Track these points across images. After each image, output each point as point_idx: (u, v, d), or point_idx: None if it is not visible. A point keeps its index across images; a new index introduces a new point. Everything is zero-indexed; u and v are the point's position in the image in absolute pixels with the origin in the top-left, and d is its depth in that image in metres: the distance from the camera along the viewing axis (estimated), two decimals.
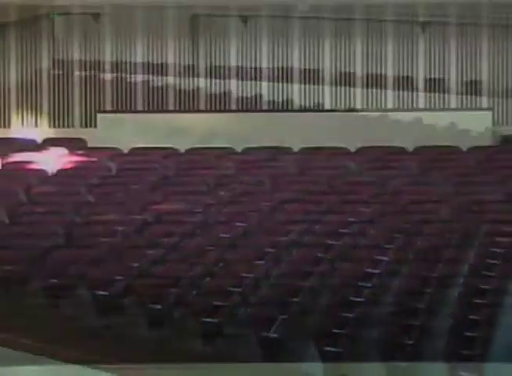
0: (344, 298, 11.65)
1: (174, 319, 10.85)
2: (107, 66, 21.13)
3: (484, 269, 13.06)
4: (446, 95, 21.08)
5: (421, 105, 20.98)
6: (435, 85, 21.04)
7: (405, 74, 21.06)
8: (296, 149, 19.30)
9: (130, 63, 21.12)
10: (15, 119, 21.15)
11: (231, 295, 11.83)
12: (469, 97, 21.05)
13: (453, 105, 20.97)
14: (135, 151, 19.31)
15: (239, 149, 19.24)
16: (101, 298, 11.90)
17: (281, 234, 14.72)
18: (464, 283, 12.30)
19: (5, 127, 21.02)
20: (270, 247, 13.93)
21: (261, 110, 21.02)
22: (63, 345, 9.82)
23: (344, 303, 11.46)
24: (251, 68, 21.22)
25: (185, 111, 20.89)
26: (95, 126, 20.51)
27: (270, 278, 12.61)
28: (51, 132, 20.96)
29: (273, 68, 21.17)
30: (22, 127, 21.11)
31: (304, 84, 21.12)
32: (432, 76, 21.05)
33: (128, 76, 21.14)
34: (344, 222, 15.13)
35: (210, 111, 20.96)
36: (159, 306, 11.43)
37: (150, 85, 21.19)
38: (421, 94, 21.03)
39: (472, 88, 21.09)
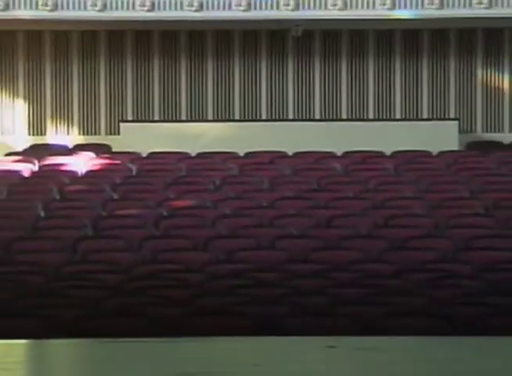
0: (333, 280, 11.62)
1: (184, 300, 10.79)
2: (129, 82, 21.04)
3: (452, 256, 13.06)
4: (419, 108, 21.03)
5: (398, 116, 20.91)
6: (410, 101, 20.99)
7: (384, 92, 20.98)
8: (290, 153, 19.22)
9: (148, 79, 21.03)
10: (50, 128, 21.05)
11: (237, 277, 11.82)
12: (439, 109, 20.98)
13: (425, 116, 20.92)
14: (152, 155, 19.22)
15: (241, 153, 19.16)
16: (123, 280, 11.89)
17: (278, 226, 14.72)
18: (434, 268, 12.30)
19: (41, 135, 20.92)
20: (269, 237, 13.94)
21: (260, 120, 20.93)
22: (91, 322, 9.76)
23: (333, 284, 11.44)
24: (252, 86, 21.13)
25: (195, 121, 20.83)
26: (119, 134, 20.41)
27: (269, 263, 12.60)
28: (80, 139, 20.87)
29: (270, 85, 21.10)
30: (56, 135, 21.02)
31: (297, 98, 21.04)
32: (407, 93, 21.00)
33: (146, 90, 21.06)
34: (332, 216, 15.09)
35: (217, 121, 20.89)
36: (172, 288, 11.42)
37: (165, 98, 21.09)
38: (398, 107, 20.97)
39: (441, 102, 21.01)
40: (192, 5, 19.71)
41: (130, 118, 20.83)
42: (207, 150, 19.31)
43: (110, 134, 20.70)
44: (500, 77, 21.05)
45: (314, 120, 20.89)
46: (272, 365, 6.52)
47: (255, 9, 19.82)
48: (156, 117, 20.96)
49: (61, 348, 7.75)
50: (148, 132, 20.25)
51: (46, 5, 19.62)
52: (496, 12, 19.74)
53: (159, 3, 19.74)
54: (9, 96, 21.06)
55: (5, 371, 6.80)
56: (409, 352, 7.03)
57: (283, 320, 9.72)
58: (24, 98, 21.07)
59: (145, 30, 20.75)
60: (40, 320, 9.58)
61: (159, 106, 21.06)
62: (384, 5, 19.69)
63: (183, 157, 19.12)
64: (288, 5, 19.76)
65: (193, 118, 20.91)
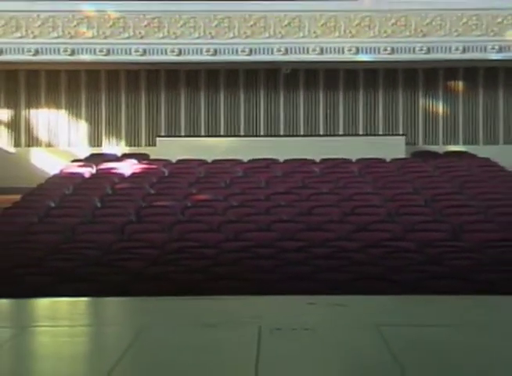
0: (313, 254, 11.57)
1: (203, 268, 10.73)
2: (162, 108, 20.98)
3: (401, 235, 13.02)
4: (376, 127, 20.98)
5: (361, 132, 20.86)
6: (369, 121, 20.93)
7: (351, 114, 20.94)
8: (281, 160, 19.15)
9: (176, 105, 20.98)
10: (104, 141, 20.98)
11: (242, 251, 11.77)
12: (391, 128, 20.92)
13: (381, 132, 20.86)
14: (179, 161, 19.18)
15: (245, 160, 19.10)
16: (158, 254, 11.83)
17: (272, 214, 14.65)
18: (388, 245, 12.26)
19: (98, 146, 20.85)
20: (265, 222, 13.89)
21: (259, 136, 20.88)
22: (134, 285, 9.70)
23: (314, 256, 11.40)
24: (253, 110, 21.06)
25: (210, 136, 20.79)
26: (155, 145, 20.34)
27: (266, 241, 12.56)
28: (127, 149, 20.80)
29: (266, 110, 21.03)
30: (108, 146, 20.95)
31: (286, 119, 20.98)
32: (367, 115, 20.94)
33: (174, 114, 20.99)
34: (312, 206, 15.03)
35: (227, 136, 20.83)
36: (194, 259, 11.37)
37: (189, 119, 21.03)
38: (360, 126, 20.91)
39: (392, 123, 20.94)
40: (209, 51, 19.64)
41: (163, 134, 20.78)
42: (220, 158, 19.27)
43: (149, 145, 20.64)
44: (436, 104, 21.00)
45: (299, 135, 20.86)
46: (270, 316, 6.47)
47: (255, 54, 19.73)
48: (182, 133, 20.92)
49: (112, 305, 7.70)
50: (176, 144, 20.16)
51: (102, 51, 19.54)
52: (433, 56, 19.66)
53: (184, 50, 19.64)
54: (75, 118, 20.99)
55: (71, 321, 6.74)
56: (370, 307, 6.98)
57: (276, 284, 9.66)
58: (86, 119, 21.00)
59: (174, 69, 20.67)
60: (96, 284, 9.53)
61: (184, 125, 21.01)
62: (350, 51, 19.60)
63: (202, 163, 19.07)
64: (280, 50, 19.66)
65: (209, 134, 20.88)
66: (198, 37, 19.74)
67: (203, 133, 20.91)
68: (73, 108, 21.00)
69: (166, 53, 19.77)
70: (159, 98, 21.02)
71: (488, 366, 4.78)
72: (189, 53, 19.75)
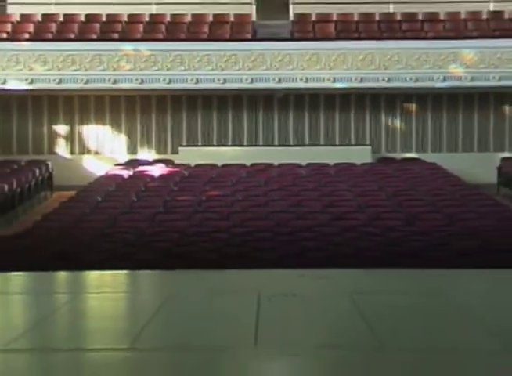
0: (301, 237, 11.55)
1: (216, 248, 10.70)
2: (183, 124, 20.97)
3: (369, 223, 12.99)
4: (349, 139, 20.98)
5: (337, 143, 20.84)
6: (344, 134, 20.92)
7: (329, 129, 20.94)
8: (276, 164, 19.18)
9: (194, 122, 21.02)
10: (139, 150, 20.98)
11: (246, 235, 11.76)
12: (360, 140, 20.93)
13: (353, 143, 20.87)
14: (197, 165, 19.23)
15: (248, 164, 19.12)
16: (181, 237, 11.80)
17: (269, 206, 14.62)
18: (359, 230, 12.23)
19: (134, 154, 20.84)
20: (264, 213, 13.87)
21: (258, 145, 20.90)
22: (163, 262, 9.64)
23: (302, 239, 11.37)
24: (253, 126, 21.07)
25: (220, 145, 20.79)
26: (178, 153, 20.37)
27: (264, 227, 12.53)
28: (156, 156, 20.78)
29: (264, 126, 21.04)
30: (142, 153, 20.95)
31: (280, 133, 20.97)
32: (342, 131, 20.93)
33: (193, 129, 21.01)
34: (300, 200, 15.02)
35: (234, 146, 20.85)
36: (209, 242, 11.35)
37: (204, 133, 21.02)
38: (337, 138, 20.91)
39: (361, 135, 20.94)
40: (219, 80, 19.61)
41: (184, 144, 20.76)
42: (228, 163, 19.33)
43: (173, 153, 20.61)
44: (394, 121, 21.02)
45: (289, 145, 20.82)
46: (267, 286, 6.43)
47: (256, 82, 19.73)
48: (199, 143, 20.89)
49: (145, 277, 7.66)
50: (194, 152, 20.24)
51: (137, 80, 19.54)
52: (392, 85, 19.67)
53: (201, 79, 19.64)
54: (116, 132, 21.01)
55: (112, 289, 6.70)
56: (346, 279, 6.94)
57: (272, 260, 9.62)
58: (125, 133, 20.99)
59: (192, 94, 20.67)
60: (133, 261, 9.50)
61: (200, 137, 20.96)
62: (329, 80, 19.57)
63: (214, 166, 19.09)
64: (275, 80, 19.63)
65: (220, 144, 20.86)
66: (211, 70, 19.73)
67: (215, 143, 20.89)
68: (115, 124, 21.01)
69: (186, 82, 19.78)
70: (181, 116, 21.00)
71: (445, 326, 4.74)
72: (204, 82, 19.76)
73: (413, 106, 21.11)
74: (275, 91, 20.29)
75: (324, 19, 21.61)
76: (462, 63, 19.71)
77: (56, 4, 21.71)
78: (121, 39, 20.51)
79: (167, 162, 19.94)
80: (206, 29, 21.29)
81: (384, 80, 19.70)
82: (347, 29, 21.27)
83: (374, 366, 3.78)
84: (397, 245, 10.87)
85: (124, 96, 20.82)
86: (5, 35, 20.88)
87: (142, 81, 19.76)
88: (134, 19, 21.62)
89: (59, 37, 20.76)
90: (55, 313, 5.43)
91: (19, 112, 20.96)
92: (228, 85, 19.84)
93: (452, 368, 3.73)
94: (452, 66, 19.77)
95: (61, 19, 21.66)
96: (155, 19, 21.65)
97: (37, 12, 21.72)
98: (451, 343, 4.26)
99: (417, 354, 3.98)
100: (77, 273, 7.67)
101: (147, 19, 21.67)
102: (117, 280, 7.33)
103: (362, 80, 19.73)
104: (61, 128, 21.04)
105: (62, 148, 21.02)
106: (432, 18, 21.65)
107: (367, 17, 21.63)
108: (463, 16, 21.78)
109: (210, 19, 21.66)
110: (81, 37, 20.71)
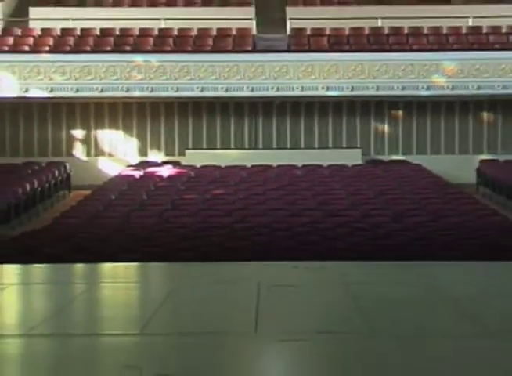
0: (297, 232, 11.54)
1: (219, 242, 10.68)
2: (190, 129, 20.97)
3: (359, 219, 12.98)
4: (342, 142, 20.99)
5: (330, 146, 20.84)
6: (336, 138, 20.91)
7: (323, 133, 20.97)
8: (274, 166, 19.19)
9: (199, 127, 21.03)
10: (149, 152, 20.99)
11: (247, 230, 11.74)
12: (352, 143, 20.94)
13: (344, 146, 20.87)
14: (202, 167, 19.22)
15: (248, 166, 19.13)
16: (187, 232, 11.79)
17: (267, 204, 14.61)
18: (350, 225, 12.22)
19: (145, 156, 20.85)
20: (262, 210, 13.86)
21: (258, 148, 20.90)
22: (170, 255, 9.61)
23: (297, 234, 11.36)
24: (254, 130, 21.06)
25: (224, 148, 20.79)
26: (184, 155, 20.38)
27: (263, 223, 12.52)
28: (165, 158, 20.78)
29: (263, 130, 21.05)
30: (152, 155, 20.96)
31: (278, 137, 21.00)
32: (335, 134, 20.95)
33: (198, 133, 21.00)
34: (295, 198, 15.03)
35: (236, 149, 20.86)
36: (212, 236, 11.34)
37: (209, 137, 21.03)
38: (330, 141, 20.92)
39: (353, 139, 20.94)
40: (222, 89, 19.64)
41: (190, 147, 20.76)
42: (230, 164, 19.32)
43: (180, 155, 20.61)
44: (382, 126, 21.03)
45: (286, 148, 20.83)
46: (266, 276, 6.40)
47: (256, 91, 19.74)
48: (204, 146, 20.90)
49: (154, 268, 7.64)
50: (200, 155, 20.23)
51: (148, 89, 19.56)
52: (381, 93, 19.73)
53: (205, 88, 19.65)
54: (128, 136, 21.02)
55: (125, 279, 6.69)
56: (339, 270, 6.93)
57: (271, 253, 9.60)
58: (136, 137, 21.00)
59: (198, 101, 20.69)
60: (144, 254, 9.47)
61: (205, 141, 20.98)
62: (323, 88, 19.61)
63: (218, 167, 19.06)
64: (273, 88, 19.63)
65: (223, 147, 20.87)
66: (215, 79, 19.72)
67: (218, 146, 20.89)
68: (127, 129, 21.00)
69: (192, 90, 19.79)
70: (187, 122, 21.00)
71: (431, 313, 4.73)
72: (208, 90, 19.77)
73: (400, 113, 21.12)
74: (274, 98, 20.30)
75: (318, 33, 21.64)
76: (444, 74, 19.76)
77: (74, 19, 21.74)
78: (133, 51, 20.56)
79: (174, 163, 19.93)
80: (210, 42, 21.31)
81: (372, 88, 19.72)
82: (339, 42, 21.30)
83: (366, 351, 3.76)
84: (385, 240, 10.85)
85: (136, 103, 20.83)
86: (27, 48, 20.91)
87: (152, 90, 19.77)
88: (144, 33, 21.63)
89: (77, 49, 20.80)
90: (73, 302, 5.42)
91: (39, 118, 20.96)
92: (230, 93, 19.86)
93: (436, 352, 3.71)
94: (435, 76, 19.80)
95: (78, 33, 21.68)
96: (164, 33, 21.67)
97: (57, 26, 21.75)
98: (436, 329, 4.25)
99: (405, 339, 3.96)
100: (93, 265, 7.66)
101: (156, 33, 21.69)
102: (129, 272, 7.31)
103: (352, 88, 19.75)
104: (78, 133, 21.05)
105: (79, 151, 21.02)
106: (416, 32, 21.71)
107: (357, 31, 21.65)
108: (444, 31, 21.82)
109: (214, 32, 21.69)
110: (97, 50, 20.73)
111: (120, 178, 18.29)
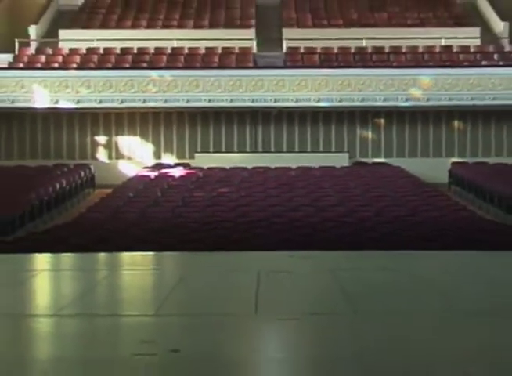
0: (292, 226, 11.52)
1: (223, 235, 10.66)
2: (198, 135, 20.95)
3: (346, 214, 12.96)
4: (331, 147, 20.97)
5: (321, 150, 20.83)
6: (326, 144, 20.91)
7: (314, 139, 20.95)
8: (272, 167, 19.18)
9: (207, 132, 21.01)
10: (163, 156, 20.97)
11: (248, 224, 11.72)
12: (340, 147, 20.92)
13: (333, 150, 20.85)
14: (209, 168, 19.19)
15: (250, 167, 19.11)
16: (196, 226, 11.77)
17: (266, 201, 14.58)
18: (338, 220, 12.19)
19: (159, 159, 20.82)
20: (262, 206, 13.85)
21: (258, 152, 20.87)
22: (182, 245, 9.60)
23: (293, 227, 11.35)
24: (254, 136, 21.06)
25: (228, 152, 20.75)
26: (194, 158, 20.37)
27: (262, 217, 12.51)
28: (176, 161, 20.77)
29: (263, 136, 21.03)
30: (165, 158, 20.94)
31: (275, 142, 20.98)
32: (325, 140, 20.93)
33: (206, 138, 20.99)
34: (291, 196, 15.00)
35: (239, 152, 20.84)
36: (218, 229, 11.32)
37: (215, 142, 21.02)
38: (321, 147, 20.88)
39: (341, 144, 20.92)
40: (227, 100, 19.68)
41: (199, 151, 20.74)
42: (234, 166, 19.30)
43: (190, 158, 20.58)
44: (367, 133, 21.04)
45: (282, 152, 20.81)
46: (265, 264, 6.40)
47: (256, 102, 19.79)
48: (211, 150, 20.87)
49: (168, 257, 7.64)
50: (207, 157, 20.18)
51: (162, 100, 19.64)
52: (365, 104, 19.80)
53: (212, 99, 19.70)
54: (145, 142, 21.03)
55: (142, 266, 6.67)
56: (328, 259, 6.92)
57: (269, 244, 9.59)
58: (151, 142, 20.99)
59: (205, 111, 20.68)
60: (158, 244, 9.46)
61: (212, 145, 20.95)
62: (315, 100, 19.65)
63: (223, 169, 19.02)
64: (271, 100, 19.68)
65: (227, 151, 20.83)
66: (221, 92, 19.73)
67: (223, 150, 20.87)
68: (143, 135, 21.00)
69: (201, 101, 19.80)
70: (196, 129, 20.98)
71: (407, 294, 4.73)
72: (215, 101, 19.78)
73: (382, 121, 21.11)
74: (272, 109, 20.30)
75: (310, 51, 21.66)
76: (420, 87, 19.79)
77: (97, 40, 21.79)
78: (149, 67, 20.59)
79: (185, 165, 19.91)
80: (216, 59, 21.33)
81: (358, 100, 19.76)
82: (329, 59, 21.32)
83: (350, 327, 3.77)
84: (369, 232, 10.85)
85: (151, 113, 20.83)
86: (57, 65, 20.96)
87: (166, 101, 19.80)
88: (159, 51, 21.67)
89: (100, 66, 20.83)
90: (96, 286, 5.42)
91: (67, 126, 20.98)
92: (234, 104, 19.89)
93: (411, 327, 3.72)
94: (412, 89, 19.83)
95: (101, 51, 21.70)
96: (175, 51, 21.70)
97: (83, 46, 21.79)
98: (412, 308, 4.25)
99: (384, 316, 3.97)
100: (114, 254, 7.65)
101: (169, 51, 21.71)
102: (145, 260, 7.31)
103: (341, 100, 19.78)
104: (101, 139, 21.05)
105: (102, 154, 21.03)
106: (396, 51, 21.74)
107: (344, 50, 21.68)
108: (420, 50, 21.85)
109: (220, 51, 21.71)
110: (117, 66, 20.77)
111: (138, 179, 18.29)
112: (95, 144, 21.04)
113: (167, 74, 20.02)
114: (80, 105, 19.81)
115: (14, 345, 3.47)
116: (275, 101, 19.88)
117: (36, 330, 3.85)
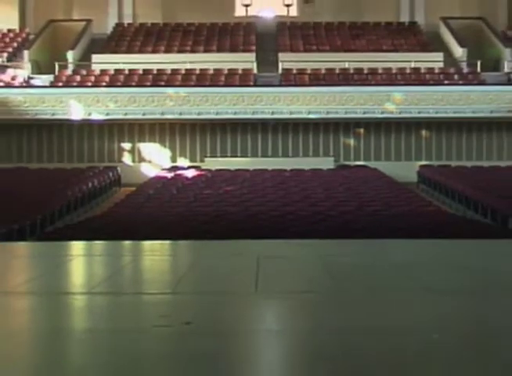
0: (286, 218, 11.49)
1: (227, 225, 10.62)
2: (207, 142, 20.91)
3: (332, 208, 12.91)
4: (319, 153, 20.93)
5: (310, 155, 20.81)
6: (315, 150, 20.85)
7: (305, 146, 20.89)
8: (270, 169, 19.15)
9: (215, 140, 20.97)
10: (178, 159, 20.94)
11: (249, 217, 11.68)
12: (325, 152, 20.88)
13: (321, 155, 20.80)
14: (217, 170, 19.14)
15: (251, 169, 19.07)
16: (205, 218, 11.73)
17: (265, 197, 14.55)
18: (326, 214, 12.13)
19: (174, 162, 20.78)
20: (262, 201, 13.82)
21: (258, 157, 20.84)
22: (195, 234, 9.56)
23: (287, 220, 11.32)
24: (255, 144, 21.00)
25: (233, 157, 20.71)
26: (204, 162, 20.36)
27: (261, 211, 12.46)
28: (189, 164, 20.71)
29: (262, 144, 20.99)
30: (180, 161, 20.91)
31: (272, 148, 20.93)
32: (314, 147, 20.89)
33: (214, 145, 20.95)
34: (285, 193, 14.98)
35: (242, 157, 20.80)
36: (223, 221, 11.28)
37: (221, 148, 20.98)
38: (311, 152, 20.85)
39: (327, 150, 20.88)
40: (232, 113, 19.73)
41: (208, 155, 20.72)
42: (238, 168, 19.27)
43: (200, 162, 20.55)
44: (349, 140, 21.01)
45: (278, 156, 20.76)
46: (263, 250, 6.38)
47: (256, 114, 19.81)
48: (218, 155, 20.84)
49: (182, 245, 7.61)
50: (215, 161, 20.13)
51: (177, 113, 19.75)
52: (348, 116, 19.87)
53: (219, 112, 19.76)
54: (163, 147, 21.03)
55: (160, 252, 6.66)
56: (318, 246, 6.90)
57: (267, 233, 9.57)
58: (168, 148, 20.97)
59: (214, 123, 20.65)
60: (174, 234, 9.42)
61: (219, 151, 20.91)
62: (305, 113, 19.68)
63: (228, 171, 18.98)
64: (269, 113, 19.71)
65: (232, 155, 20.79)
66: (226, 106, 19.76)
67: (228, 155, 20.85)
68: (162, 142, 20.98)
69: (210, 114, 19.84)
70: (206, 137, 20.94)
71: (382, 274, 4.71)
72: (221, 114, 19.81)
73: (361, 130, 21.09)
74: (269, 120, 20.29)
75: (302, 72, 21.67)
76: (393, 102, 19.83)
77: (123, 63, 21.85)
78: (166, 85, 20.62)
79: (196, 168, 19.87)
80: (223, 78, 21.34)
81: (342, 113, 19.80)
82: (317, 79, 21.34)
83: (334, 303, 3.77)
84: (351, 223, 10.83)
85: (168, 123, 20.81)
86: (90, 84, 21.02)
87: (180, 113, 19.82)
88: (174, 72, 21.69)
89: (125, 84, 20.88)
90: (122, 269, 5.41)
91: (98, 134, 20.97)
92: (237, 116, 19.92)
93: (383, 300, 3.72)
94: (387, 104, 19.84)
95: (126, 72, 21.74)
96: (188, 72, 21.72)
97: (111, 68, 21.82)
98: (385, 286, 4.25)
99: (363, 293, 3.97)
100: (137, 242, 7.64)
101: (183, 72, 21.73)
102: (163, 247, 7.29)
103: (327, 113, 19.80)
104: (126, 145, 21.05)
105: (126, 158, 21.02)
106: (373, 72, 21.76)
107: (330, 71, 21.70)
108: (393, 71, 21.88)
109: (226, 72, 21.72)
110: (140, 85, 20.80)
111: (157, 179, 18.28)
112: (121, 150, 21.04)
113: (182, 91, 20.05)
114: (108, 117, 19.84)
115: (54, 318, 3.47)
116: (272, 113, 19.88)
117: (72, 306, 3.84)
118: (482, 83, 20.85)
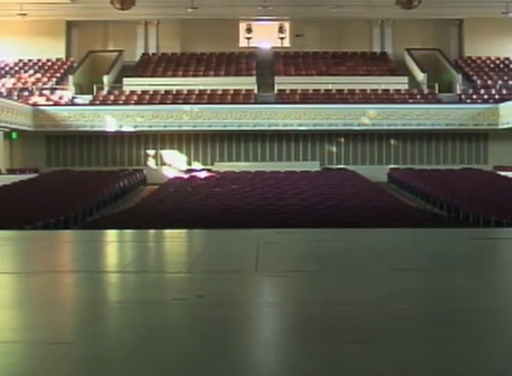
0: (280, 211, 11.44)
1: (232, 218, 10.57)
2: (217, 149, 20.91)
3: (318, 204, 12.88)
4: (308, 157, 20.95)
5: (300, 159, 20.78)
6: (306, 155, 20.83)
7: (296, 151, 20.86)
8: (267, 171, 19.15)
9: (223, 147, 20.94)
10: (192, 163, 20.98)
11: (251, 211, 11.64)
12: (312, 157, 20.90)
13: (309, 160, 20.82)
14: (225, 172, 19.13)
15: (252, 171, 19.04)
16: (214, 211, 11.71)
17: (263, 194, 14.53)
18: (315, 208, 12.09)
19: (190, 165, 20.86)
20: (261, 197, 13.79)
21: (258, 161, 20.86)
22: (205, 226, 9.51)
23: (281, 212, 11.28)
24: (256, 150, 21.00)
25: (237, 161, 20.74)
26: (214, 165, 20.40)
27: (260, 206, 12.42)
28: (202, 167, 20.77)
29: (261, 151, 21.00)
30: (194, 165, 20.95)
31: (270, 154, 20.96)
32: (304, 153, 20.88)
33: (221, 151, 20.94)
34: (280, 191, 14.95)
35: (245, 161, 20.83)
36: (229, 214, 11.25)
37: (229, 154, 20.97)
38: (301, 157, 20.87)
39: (314, 155, 20.88)
40: (237, 125, 19.77)
41: (217, 160, 20.75)
42: (242, 170, 19.27)
43: (211, 165, 20.66)
44: (332, 148, 21.09)
45: (274, 161, 20.86)
46: (262, 237, 6.35)
47: (256, 126, 19.89)
48: (226, 160, 20.88)
49: (196, 233, 7.58)
50: (223, 165, 20.29)
51: (192, 125, 19.76)
52: (332, 128, 19.87)
53: (227, 124, 19.82)
54: (180, 154, 21.16)
55: (178, 239, 6.65)
56: (307, 234, 6.89)
57: (265, 224, 9.56)
58: (185, 154, 21.02)
59: (222, 133, 20.68)
60: (189, 224, 9.37)
61: (226, 156, 20.96)
62: (297, 125, 19.73)
63: (234, 172, 19.00)
64: (267, 125, 19.78)
65: (237, 160, 20.85)
66: (232, 119, 19.84)
67: (234, 160, 20.90)
68: (180, 149, 21.07)
69: (219, 126, 19.90)
70: (215, 145, 21.02)
71: (358, 257, 4.71)
72: (228, 126, 19.91)
73: (342, 140, 21.17)
74: (267, 131, 20.33)
75: (293, 92, 21.79)
76: (368, 117, 19.93)
77: (149, 85, 21.97)
78: (183, 103, 20.75)
79: (208, 170, 19.90)
80: (229, 97, 21.45)
81: (326, 125, 19.89)
82: (306, 98, 21.43)
83: (320, 280, 3.78)
84: (333, 215, 10.83)
85: (185, 134, 20.89)
86: (121, 102, 21.15)
87: (194, 126, 19.90)
88: (190, 92, 21.82)
89: (150, 102, 21.00)
90: (147, 252, 5.42)
91: (128, 143, 21.06)
92: (241, 128, 20.02)
93: (360, 277, 3.73)
94: (363, 118, 19.93)
95: (151, 92, 21.83)
96: (201, 92, 21.89)
97: (139, 89, 21.92)
98: (361, 266, 4.26)
99: (343, 272, 3.98)
100: (159, 231, 7.62)
101: (197, 92, 21.81)
102: (180, 235, 7.28)
103: (314, 125, 19.88)
104: (150, 152, 21.13)
105: (151, 162, 21.10)
106: (352, 92, 21.84)
107: (316, 92, 21.82)
108: (368, 92, 21.98)
109: (232, 92, 21.82)
110: (162, 102, 20.94)
111: (175, 179, 18.29)
112: (146, 155, 21.12)
113: (196, 107, 20.14)
114: (136, 129, 19.97)
115: (93, 292, 3.50)
116: (269, 126, 19.94)
117: (107, 282, 3.87)
118: (439, 102, 21.10)
